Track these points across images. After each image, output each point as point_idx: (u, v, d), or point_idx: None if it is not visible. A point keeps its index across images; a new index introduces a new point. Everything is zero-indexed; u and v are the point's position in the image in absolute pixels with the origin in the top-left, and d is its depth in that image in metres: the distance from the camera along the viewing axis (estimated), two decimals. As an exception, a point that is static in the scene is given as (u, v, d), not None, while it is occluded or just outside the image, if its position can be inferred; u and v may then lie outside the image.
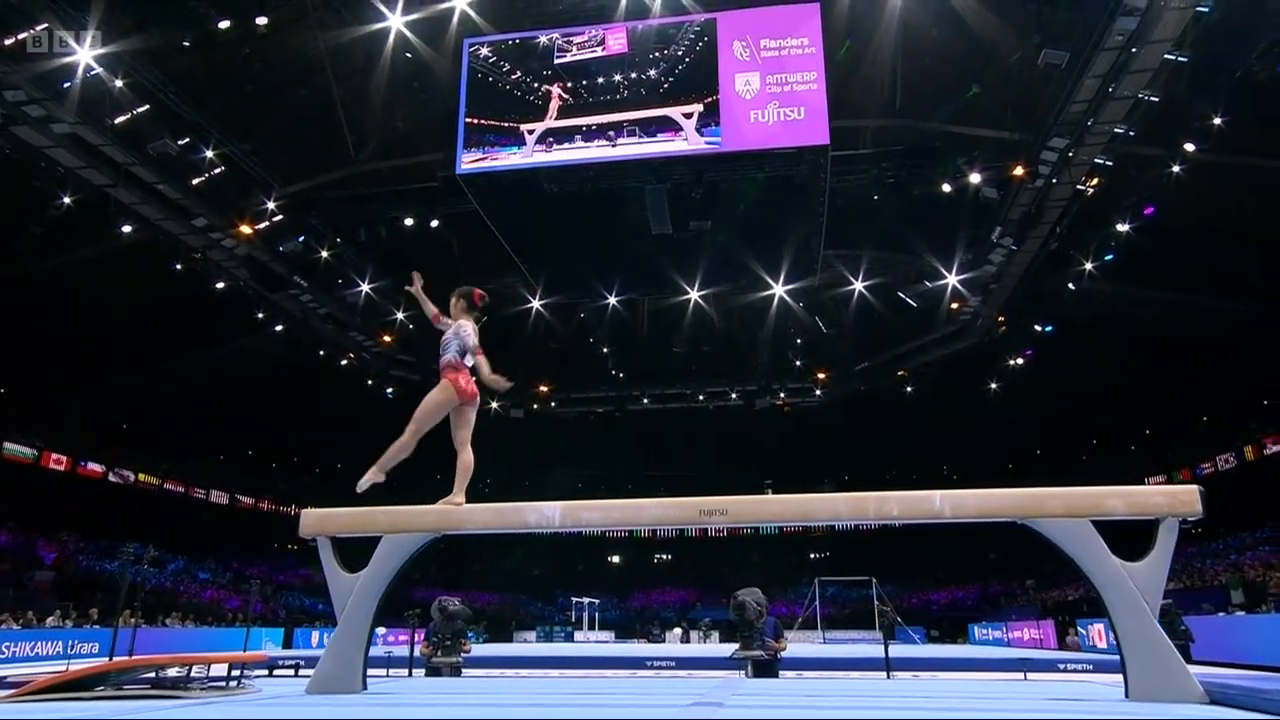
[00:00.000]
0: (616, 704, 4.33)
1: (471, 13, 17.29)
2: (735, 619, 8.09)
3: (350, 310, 25.55)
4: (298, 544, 36.92)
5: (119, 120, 16.64)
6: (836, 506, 4.66)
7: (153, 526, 24.59)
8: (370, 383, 29.49)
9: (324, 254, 22.40)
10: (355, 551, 4.98)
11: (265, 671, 10.51)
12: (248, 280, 22.14)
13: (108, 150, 17.01)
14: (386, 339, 28.11)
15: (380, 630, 16.75)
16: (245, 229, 20.11)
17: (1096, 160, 17.54)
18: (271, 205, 20.11)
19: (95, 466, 29.14)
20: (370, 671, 4.89)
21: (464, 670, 9.12)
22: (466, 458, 5.08)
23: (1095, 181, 18.23)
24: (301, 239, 21.22)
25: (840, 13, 17.06)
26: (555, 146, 17.17)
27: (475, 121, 17.51)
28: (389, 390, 29.99)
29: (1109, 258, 20.97)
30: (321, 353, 26.96)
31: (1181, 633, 10.67)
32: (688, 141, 16.77)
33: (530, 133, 17.12)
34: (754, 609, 7.90)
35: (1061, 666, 13.26)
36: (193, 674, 5.81)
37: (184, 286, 21.61)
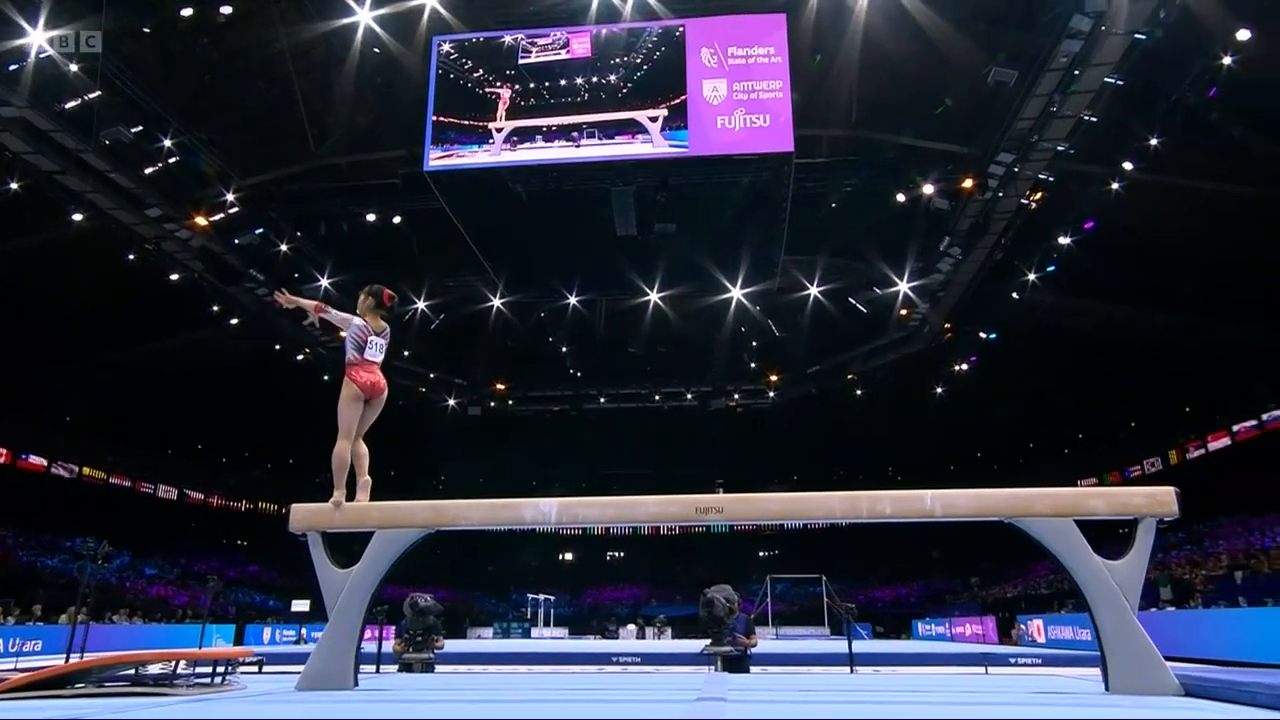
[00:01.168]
0: (620, 699, 4.40)
1: (441, 9, 17.25)
2: (704, 615, 8.19)
3: (308, 305, 25.14)
4: (248, 540, 36.36)
5: (70, 105, 16.16)
6: (831, 505, 4.77)
7: (98, 521, 23.74)
8: (327, 378, 28.89)
9: (282, 247, 21.99)
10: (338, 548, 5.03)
11: (232, 668, 10.31)
12: (202, 272, 21.65)
13: (58, 136, 16.50)
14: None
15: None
16: (200, 220, 19.67)
17: (1040, 176, 18.37)
18: (229, 197, 19.68)
19: (37, 460, 28.00)
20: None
21: (435, 666, 9.14)
22: (359, 449, 5.27)
23: (1039, 196, 19.08)
24: (259, 231, 20.82)
25: (806, 25, 17.49)
26: (520, 146, 17.24)
27: (439, 119, 17.47)
28: (346, 386, 29.46)
29: (1050, 269, 21.89)
30: (278, 347, 26.47)
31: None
32: (653, 144, 17.02)
33: (499, 131, 17.17)
34: (723, 605, 8.04)
35: (1013, 661, 13.90)
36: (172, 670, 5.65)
37: (136, 277, 20.97)
